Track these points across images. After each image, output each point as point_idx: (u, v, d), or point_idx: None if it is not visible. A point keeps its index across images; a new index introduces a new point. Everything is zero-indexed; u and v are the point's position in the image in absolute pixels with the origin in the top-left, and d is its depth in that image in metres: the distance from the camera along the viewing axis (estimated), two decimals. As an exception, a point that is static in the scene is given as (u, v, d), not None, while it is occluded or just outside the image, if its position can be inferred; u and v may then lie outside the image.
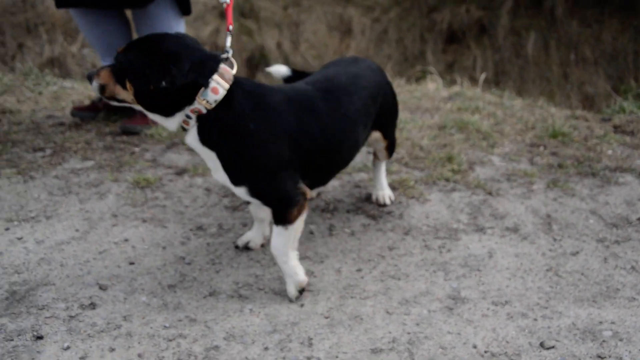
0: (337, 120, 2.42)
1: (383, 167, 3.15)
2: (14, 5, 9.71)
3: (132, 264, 2.66)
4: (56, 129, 3.99)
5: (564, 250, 2.86)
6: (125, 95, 2.16)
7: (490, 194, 3.31)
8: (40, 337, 2.22)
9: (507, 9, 9.68)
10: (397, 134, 3.88)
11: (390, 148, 3.02)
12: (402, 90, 5.16)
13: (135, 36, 3.99)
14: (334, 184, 3.37)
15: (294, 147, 2.26)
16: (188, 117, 2.16)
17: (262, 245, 2.82)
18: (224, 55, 2.26)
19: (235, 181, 2.25)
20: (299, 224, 2.34)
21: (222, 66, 2.17)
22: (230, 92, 2.15)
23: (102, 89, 2.20)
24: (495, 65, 8.43)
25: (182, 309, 2.40)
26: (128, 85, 2.12)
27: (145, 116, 3.71)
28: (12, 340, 2.20)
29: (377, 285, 2.58)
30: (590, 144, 4.02)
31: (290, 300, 2.46)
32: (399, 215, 3.08)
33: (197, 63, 2.08)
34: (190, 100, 2.12)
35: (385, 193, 3.17)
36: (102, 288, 2.51)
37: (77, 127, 4.03)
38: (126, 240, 2.83)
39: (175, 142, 3.79)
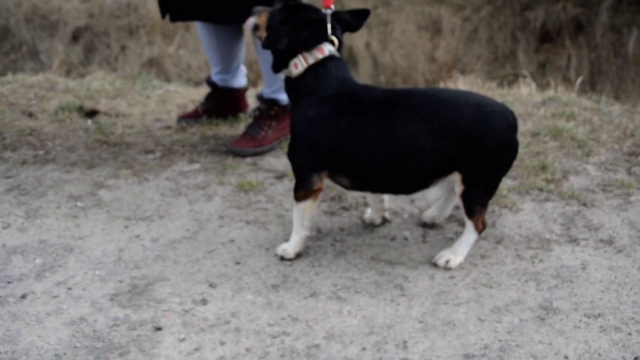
0: (382, 129, 2.57)
1: (466, 233, 2.83)
2: (118, 9, 10.37)
3: (238, 263, 2.89)
4: (164, 132, 4.31)
5: (662, 264, 2.85)
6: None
7: (584, 204, 3.32)
8: (159, 329, 2.47)
9: (607, 4, 9.35)
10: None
11: (470, 200, 2.68)
12: (494, 94, 5.17)
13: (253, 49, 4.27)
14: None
15: (325, 137, 2.64)
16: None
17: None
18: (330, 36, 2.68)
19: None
20: (304, 206, 2.80)
21: (319, 47, 2.64)
22: (309, 69, 2.65)
23: (256, 27, 2.78)
24: (591, 65, 8.19)
25: (285, 308, 2.60)
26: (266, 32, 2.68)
27: (253, 137, 3.95)
28: (136, 329, 2.47)
29: (469, 293, 2.68)
30: (693, 153, 3.92)
31: (275, 255, 2.95)
32: (492, 224, 3.16)
33: (301, 39, 2.64)
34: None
35: (448, 256, 2.85)
36: (212, 285, 2.74)
37: (183, 130, 4.34)
38: (232, 241, 3.07)
39: (274, 146, 4.00)
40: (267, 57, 3.84)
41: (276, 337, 2.43)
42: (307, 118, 2.65)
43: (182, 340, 2.41)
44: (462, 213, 2.77)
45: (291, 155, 2.77)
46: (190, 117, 4.45)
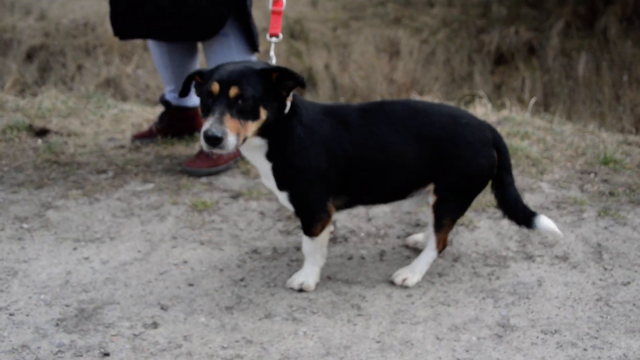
0: (370, 137, 2.58)
1: (426, 251, 2.84)
2: (75, 28, 10.19)
3: (191, 285, 2.80)
4: (117, 151, 4.20)
5: (615, 280, 2.87)
6: (254, 128, 2.34)
7: (539, 221, 3.34)
8: (107, 354, 2.37)
9: (557, 30, 9.62)
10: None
11: (441, 212, 2.70)
12: (451, 114, 5.21)
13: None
14: (384, 209, 3.45)
15: (340, 151, 2.58)
16: None
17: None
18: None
19: (281, 187, 2.61)
20: (322, 238, 2.71)
21: None
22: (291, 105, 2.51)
23: (242, 139, 2.32)
24: (544, 86, 8.37)
25: (239, 330, 2.52)
26: (263, 111, 2.33)
27: (207, 157, 3.87)
28: (82, 356, 2.36)
29: (427, 311, 2.64)
30: (642, 171, 3.99)
31: (291, 288, 2.78)
32: (449, 242, 3.14)
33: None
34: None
35: (406, 274, 2.82)
36: (164, 308, 2.65)
37: (137, 149, 4.23)
38: (185, 262, 2.98)
39: (229, 166, 3.93)
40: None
41: (230, 361, 2.35)
42: (317, 143, 2.52)
43: (131, 366, 2.31)
44: (429, 227, 2.77)
45: (303, 196, 2.58)
46: (144, 137, 4.35)
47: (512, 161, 4.06)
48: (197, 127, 4.40)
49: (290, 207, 2.64)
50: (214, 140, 2.18)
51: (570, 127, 4.89)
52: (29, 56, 10.10)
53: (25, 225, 3.23)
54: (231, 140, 2.20)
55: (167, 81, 4.17)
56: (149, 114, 5.00)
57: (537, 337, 2.49)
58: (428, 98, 6.07)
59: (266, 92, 2.31)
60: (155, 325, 2.54)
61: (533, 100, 5.66)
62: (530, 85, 8.35)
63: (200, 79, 2.44)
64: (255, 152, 2.51)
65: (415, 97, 6.24)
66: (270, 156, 2.51)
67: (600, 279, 2.87)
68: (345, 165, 2.56)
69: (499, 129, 4.65)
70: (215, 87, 2.26)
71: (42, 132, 4.43)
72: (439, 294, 2.76)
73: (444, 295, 2.75)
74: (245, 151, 2.54)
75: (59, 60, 9.96)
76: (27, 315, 2.57)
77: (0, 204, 3.43)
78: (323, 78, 9.42)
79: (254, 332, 2.51)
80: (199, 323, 2.56)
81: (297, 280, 2.77)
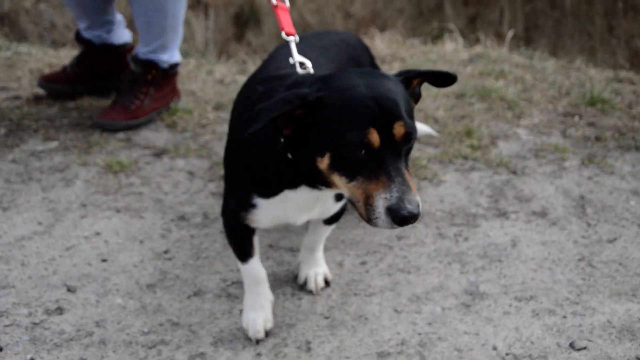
0: None
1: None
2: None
3: (104, 261, 2.76)
4: (11, 103, 4.07)
5: (600, 236, 2.94)
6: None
7: (514, 173, 3.39)
8: None
9: (541, -50, 9.64)
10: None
11: None
12: (416, 51, 5.21)
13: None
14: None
15: None
16: None
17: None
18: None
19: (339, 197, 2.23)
20: None
21: None
22: None
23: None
24: (526, 18, 8.41)
25: (163, 312, 2.50)
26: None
27: (125, 108, 3.76)
28: (-30, 350, 2.30)
29: (384, 281, 2.66)
30: (635, 112, 4.08)
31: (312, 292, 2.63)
32: (410, 200, 3.16)
33: None
34: None
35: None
36: (71, 290, 2.60)
37: (37, 101, 4.10)
38: (97, 233, 2.92)
39: (151, 117, 3.85)
40: (142, 5, 3.66)
41: (152, 348, 2.33)
42: None
43: None
44: None
45: None
46: (56, 81, 4.11)
47: (485, 104, 4.10)
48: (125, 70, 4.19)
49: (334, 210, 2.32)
50: (414, 219, 1.71)
51: (552, 63, 4.95)
52: None
53: None
54: (419, 208, 1.73)
55: (79, 16, 3.98)
56: (52, 58, 4.85)
57: (510, 305, 2.54)
58: (390, 34, 6.04)
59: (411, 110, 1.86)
60: (60, 310, 2.49)
61: (511, 33, 5.69)
62: (509, 16, 8.38)
63: (302, 111, 1.78)
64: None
65: (375, 33, 6.20)
66: None
67: (583, 237, 2.94)
68: None
69: (470, 68, 4.67)
70: (374, 134, 1.70)
71: None
72: (398, 259, 2.78)
73: (403, 261, 2.78)
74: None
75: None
76: None
77: None
78: (267, 13, 9.27)
79: (181, 312, 2.49)
80: (114, 305, 2.53)
81: (319, 280, 2.64)
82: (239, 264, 2.37)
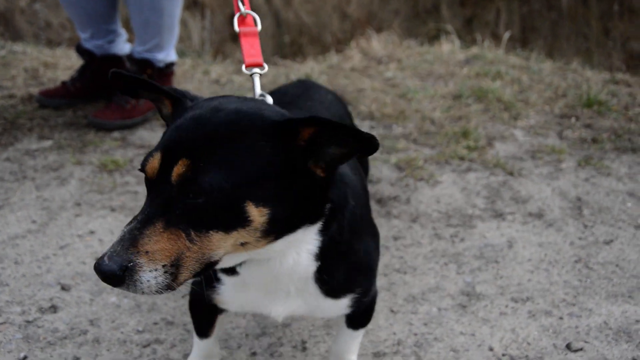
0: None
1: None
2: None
3: (98, 259, 2.74)
4: (6, 102, 4.06)
5: (596, 238, 2.94)
6: (231, 242, 1.41)
7: (511, 174, 3.39)
8: (-7, 346, 2.31)
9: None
10: (404, 105, 3.96)
11: None
12: (412, 52, 5.22)
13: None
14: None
15: None
16: None
17: None
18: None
19: (338, 293, 1.79)
20: None
21: None
22: None
23: (172, 272, 1.37)
24: (522, 19, 8.44)
25: (158, 311, 2.49)
26: (256, 212, 1.37)
27: (120, 107, 3.74)
28: (-38, 348, 2.29)
29: (380, 281, 2.66)
30: (631, 114, 4.09)
31: None
32: (406, 200, 3.16)
33: None
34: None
35: None
36: (65, 288, 2.59)
37: (32, 100, 4.09)
38: (92, 232, 2.91)
39: (147, 117, 3.84)
40: (138, 4, 3.64)
41: (146, 347, 2.32)
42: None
43: (23, 359, 2.25)
44: None
45: (376, 268, 1.96)
46: (55, 96, 4.04)
47: (482, 105, 4.11)
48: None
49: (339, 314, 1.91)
50: (106, 280, 1.34)
51: (549, 65, 4.96)
52: None
53: None
54: (148, 279, 1.34)
55: (81, 26, 3.91)
56: (47, 57, 4.84)
57: (507, 306, 2.54)
58: (387, 35, 6.05)
59: (280, 169, 1.40)
60: (54, 309, 2.48)
61: (507, 35, 5.71)
62: (506, 18, 8.41)
63: (170, 107, 1.61)
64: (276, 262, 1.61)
65: (371, 34, 6.20)
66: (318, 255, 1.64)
67: (580, 238, 2.94)
68: None
69: (467, 69, 4.68)
70: (153, 163, 1.40)
71: None
72: (394, 260, 2.78)
73: (399, 261, 2.77)
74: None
75: None
76: None
77: None
78: (264, 13, 9.28)
79: (176, 311, 2.48)
80: (108, 304, 2.51)
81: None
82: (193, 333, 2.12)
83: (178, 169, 1.33)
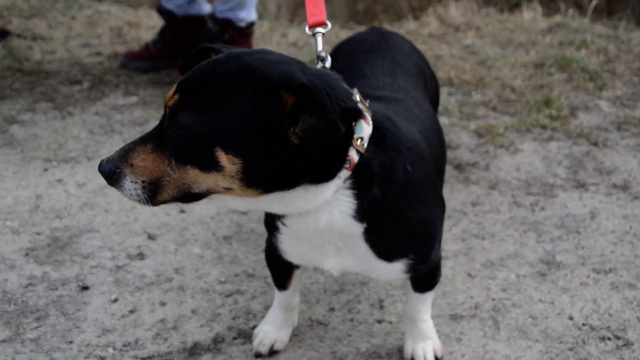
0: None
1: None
2: None
3: (183, 212, 2.83)
4: (93, 59, 4.18)
5: (683, 213, 2.87)
6: (211, 182, 1.48)
7: (595, 144, 3.32)
8: (86, 288, 2.41)
9: None
10: (483, 73, 3.91)
11: None
12: (491, 20, 5.13)
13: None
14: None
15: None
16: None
17: None
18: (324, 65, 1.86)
19: (391, 256, 1.79)
20: None
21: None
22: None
23: (151, 189, 1.50)
24: (608, -11, 8.15)
25: (239, 263, 2.56)
26: (225, 159, 1.43)
27: None
28: (56, 289, 2.41)
29: (457, 245, 2.66)
30: None
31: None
32: (485, 167, 3.14)
33: (328, 85, 1.49)
34: (346, 147, 1.53)
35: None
36: (151, 237, 2.68)
37: (117, 58, 4.20)
38: (175, 185, 2.99)
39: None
40: None
41: (228, 297, 2.39)
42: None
43: (115, 300, 2.36)
44: None
45: (436, 239, 1.89)
46: (139, 59, 4.11)
47: (565, 75, 4.01)
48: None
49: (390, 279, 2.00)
50: (103, 175, 1.54)
51: (639, 34, 4.79)
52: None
53: (-14, 143, 3.27)
54: (129, 187, 1.50)
55: None
56: (131, 17, 4.96)
57: (588, 277, 2.51)
58: (465, 2, 5.94)
59: (251, 125, 1.42)
60: (141, 256, 2.58)
61: (594, 3, 5.53)
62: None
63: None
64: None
65: (449, 1, 6.10)
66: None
67: (665, 212, 2.87)
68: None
69: (549, 37, 4.57)
70: (168, 93, 1.51)
71: (2, 35, 4.39)
72: (472, 225, 2.78)
73: (477, 227, 2.77)
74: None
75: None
76: (-7, 243, 2.62)
77: (-43, 118, 3.45)
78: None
79: (257, 265, 2.54)
80: (192, 254, 2.60)
81: (428, 353, 2.17)
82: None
83: (170, 101, 1.47)
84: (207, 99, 1.44)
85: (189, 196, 1.52)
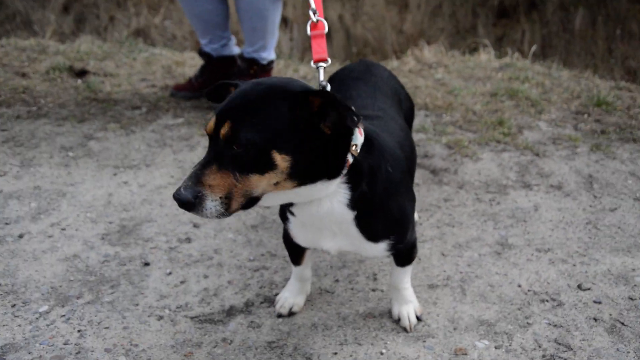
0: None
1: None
2: (106, -19, 9.99)
3: (220, 206, 2.83)
4: (149, 90, 4.19)
5: (603, 206, 2.87)
6: (266, 182, 1.45)
7: (537, 155, 3.33)
8: (147, 264, 2.42)
9: (557, -15, 9.32)
10: (451, 100, 3.91)
11: None
12: (456, 60, 5.14)
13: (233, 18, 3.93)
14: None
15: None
16: None
17: None
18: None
19: (376, 238, 1.78)
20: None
21: None
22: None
23: (226, 202, 1.43)
24: (542, 39, 8.18)
25: (264, 246, 2.56)
26: (279, 158, 1.41)
27: None
28: (125, 265, 2.41)
29: (433, 231, 2.67)
30: (632, 113, 3.95)
31: (406, 330, 2.13)
32: (454, 171, 3.15)
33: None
34: (347, 151, 1.55)
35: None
36: (196, 226, 2.69)
37: (167, 89, 4.21)
38: (215, 186, 3.00)
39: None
40: (248, 14, 3.70)
41: (256, 271, 2.40)
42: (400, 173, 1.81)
43: (169, 274, 2.36)
44: None
45: (410, 223, 1.87)
46: (184, 89, 4.11)
47: (513, 102, 4.02)
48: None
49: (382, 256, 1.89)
50: (183, 205, 1.41)
51: (567, 73, 4.81)
52: (65, 8, 9.96)
53: (70, 154, 3.26)
54: (210, 206, 1.41)
55: (202, 33, 3.94)
56: (178, 58, 4.96)
57: (532, 255, 2.52)
58: (436, 46, 5.96)
59: (298, 128, 1.43)
60: (188, 240, 2.59)
61: (534, 48, 5.56)
62: (529, 37, 8.14)
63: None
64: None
65: (423, 46, 6.12)
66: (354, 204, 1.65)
67: (590, 206, 2.88)
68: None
69: (501, 73, 4.58)
70: (210, 124, 1.47)
71: (82, 73, 4.42)
72: (445, 216, 2.78)
73: (449, 217, 2.77)
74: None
75: (93, 12, 9.82)
76: (77, 230, 2.62)
77: (47, 136, 3.45)
78: (337, 29, 9.25)
79: (277, 247, 2.55)
80: (227, 239, 2.60)
81: (411, 315, 2.16)
82: None
83: (224, 128, 1.40)
84: (256, 117, 1.41)
85: (250, 201, 1.47)
